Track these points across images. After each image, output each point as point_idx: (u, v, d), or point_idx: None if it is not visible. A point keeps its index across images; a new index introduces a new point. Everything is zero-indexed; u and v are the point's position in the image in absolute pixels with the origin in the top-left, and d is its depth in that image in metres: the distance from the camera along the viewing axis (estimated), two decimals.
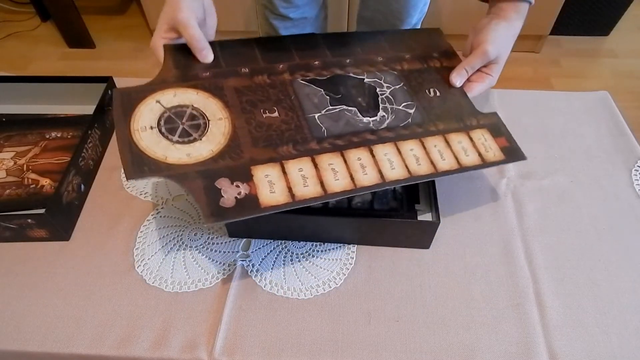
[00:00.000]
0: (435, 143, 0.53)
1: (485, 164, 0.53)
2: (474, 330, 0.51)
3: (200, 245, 0.58)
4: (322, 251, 0.57)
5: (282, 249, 0.58)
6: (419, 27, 1.00)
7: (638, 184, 0.65)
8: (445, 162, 0.51)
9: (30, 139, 0.69)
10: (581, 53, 1.91)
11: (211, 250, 0.58)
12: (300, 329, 0.51)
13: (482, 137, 0.55)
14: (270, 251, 0.57)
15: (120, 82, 0.76)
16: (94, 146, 0.66)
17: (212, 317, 0.52)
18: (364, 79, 0.58)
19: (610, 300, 0.53)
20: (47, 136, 0.69)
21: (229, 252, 0.57)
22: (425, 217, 0.57)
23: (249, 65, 0.56)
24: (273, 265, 0.56)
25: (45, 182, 0.63)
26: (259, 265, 0.56)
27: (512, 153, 0.55)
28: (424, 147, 0.52)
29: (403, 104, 0.56)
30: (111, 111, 0.72)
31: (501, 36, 0.59)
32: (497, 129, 0.57)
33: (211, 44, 0.57)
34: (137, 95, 0.50)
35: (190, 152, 0.47)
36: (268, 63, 0.56)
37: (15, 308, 0.53)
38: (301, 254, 0.57)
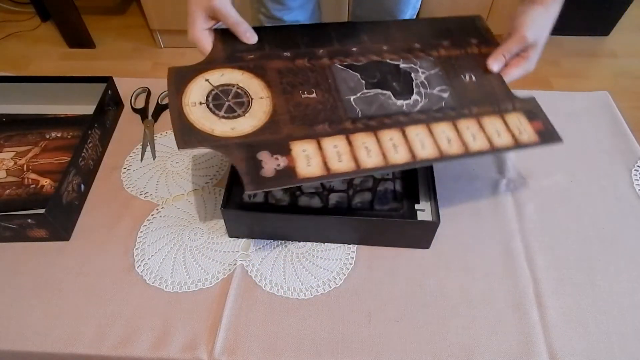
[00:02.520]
0: (468, 125, 0.54)
1: (518, 145, 0.53)
2: (474, 330, 0.51)
3: (200, 245, 0.58)
4: (322, 251, 0.57)
5: (282, 249, 0.58)
6: None
7: (638, 184, 0.65)
8: (477, 143, 0.52)
9: (30, 139, 0.69)
10: (581, 53, 1.91)
11: (211, 250, 0.58)
12: (300, 329, 0.51)
13: (517, 121, 0.56)
14: (270, 251, 0.57)
15: (120, 82, 0.76)
16: (94, 146, 0.66)
17: (212, 317, 0.52)
18: (399, 64, 0.60)
19: (610, 300, 0.53)
20: (47, 136, 0.69)
21: (229, 252, 0.57)
22: (425, 217, 0.57)
23: (291, 49, 0.59)
24: (273, 265, 0.56)
25: (45, 182, 0.63)
26: (259, 265, 0.56)
27: (547, 136, 0.56)
28: (456, 129, 0.53)
29: (437, 89, 0.57)
30: (110, 111, 0.72)
31: (538, 20, 0.60)
32: (533, 112, 0.58)
33: (257, 29, 0.58)
34: (189, 74, 0.54)
35: (234, 126, 0.50)
36: (309, 48, 0.59)
37: (15, 308, 0.53)
38: (301, 254, 0.57)
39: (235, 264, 0.56)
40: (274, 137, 0.50)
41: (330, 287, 0.54)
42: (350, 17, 1.05)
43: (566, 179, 0.66)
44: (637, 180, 0.65)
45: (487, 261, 0.56)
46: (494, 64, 0.59)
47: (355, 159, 0.49)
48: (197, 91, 0.52)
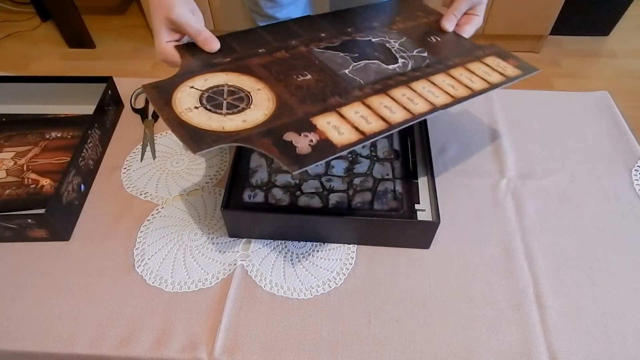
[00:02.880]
0: (460, 72, 0.56)
1: (509, 79, 0.56)
2: (474, 330, 0.51)
3: (200, 245, 0.58)
4: (322, 251, 0.57)
5: (282, 249, 0.58)
6: None
7: (638, 184, 0.65)
8: (477, 84, 0.54)
9: (30, 139, 0.69)
10: (581, 53, 1.91)
11: (211, 250, 0.58)
12: (300, 329, 0.51)
13: (496, 62, 0.59)
14: (270, 251, 0.57)
15: (120, 82, 0.76)
16: (94, 146, 0.66)
17: (212, 317, 0.52)
18: (370, 39, 0.62)
19: (610, 300, 0.53)
20: (47, 136, 0.69)
21: (229, 252, 0.57)
22: (425, 217, 0.57)
23: (264, 46, 0.59)
24: (273, 265, 0.56)
25: (45, 182, 0.63)
26: (259, 265, 0.56)
27: (526, 68, 0.59)
28: (453, 77, 0.55)
29: (415, 51, 0.60)
30: (110, 111, 0.72)
31: None
32: (503, 53, 0.61)
33: (220, 37, 0.57)
34: (169, 86, 0.51)
35: (245, 118, 0.48)
36: (280, 42, 0.60)
37: (15, 308, 0.53)
38: (301, 254, 0.57)
39: (235, 264, 0.56)
40: (293, 118, 0.48)
41: (330, 287, 0.54)
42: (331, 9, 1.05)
43: (566, 179, 0.66)
44: (637, 180, 0.65)
45: (487, 261, 0.56)
46: (448, 24, 0.64)
47: (382, 118, 0.48)
48: (186, 98, 0.49)
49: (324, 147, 0.45)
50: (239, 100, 0.50)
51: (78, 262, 0.57)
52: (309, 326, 0.51)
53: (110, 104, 0.72)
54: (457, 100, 0.52)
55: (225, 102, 0.50)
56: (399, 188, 0.59)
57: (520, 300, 0.53)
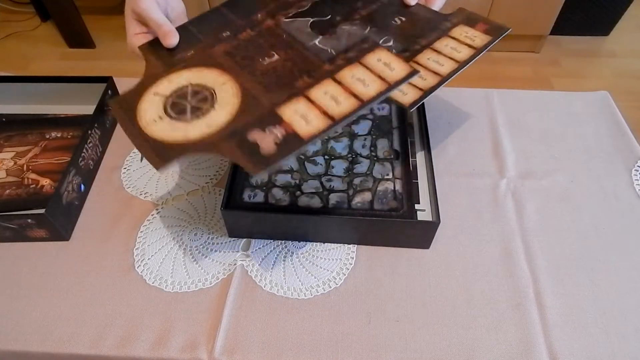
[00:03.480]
0: (427, 56, 0.54)
1: (478, 51, 0.54)
2: (474, 330, 0.51)
3: (200, 245, 0.58)
4: (322, 251, 0.57)
5: (282, 249, 0.58)
6: None
7: (638, 184, 0.65)
8: (445, 68, 0.52)
9: (30, 139, 0.69)
10: (581, 53, 1.91)
11: (211, 250, 0.58)
12: (300, 329, 0.51)
13: (463, 32, 0.57)
14: (270, 251, 0.57)
15: (120, 82, 0.76)
16: (94, 146, 0.66)
17: (212, 317, 0.52)
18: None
19: (610, 300, 0.53)
20: (47, 136, 0.69)
21: (229, 252, 0.57)
22: (425, 217, 0.57)
23: (227, 28, 0.56)
24: (273, 265, 0.56)
25: (45, 182, 0.63)
26: (259, 265, 0.56)
27: (496, 30, 0.56)
28: (419, 64, 0.53)
29: (381, 41, 0.56)
30: (110, 111, 0.72)
31: None
32: (471, 18, 0.58)
33: (181, 26, 0.56)
34: (133, 97, 0.50)
35: (209, 122, 0.46)
36: (244, 19, 0.57)
37: (15, 308, 0.53)
38: (301, 254, 0.57)
39: (235, 264, 0.56)
40: (257, 112, 0.46)
41: (330, 287, 0.54)
42: None
43: (566, 179, 0.66)
44: (637, 180, 0.65)
45: (487, 261, 0.56)
46: None
47: (354, 94, 0.45)
48: (150, 109, 0.48)
49: (290, 141, 0.43)
50: (202, 101, 0.48)
51: (78, 262, 0.57)
52: (309, 326, 0.51)
53: (110, 104, 0.72)
54: (425, 93, 0.50)
55: (189, 107, 0.48)
56: (399, 188, 0.59)
57: (520, 300, 0.53)
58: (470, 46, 0.55)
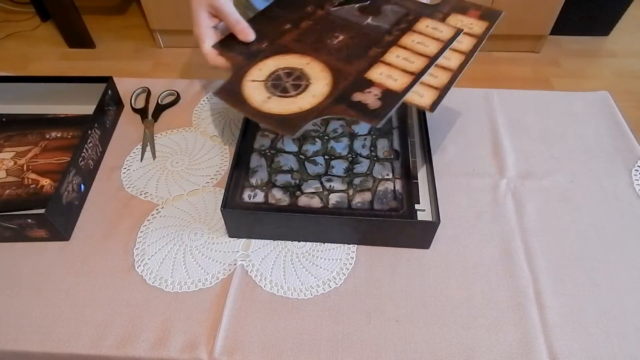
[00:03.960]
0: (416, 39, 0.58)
1: (480, 38, 0.56)
2: (474, 330, 0.51)
3: (200, 245, 0.58)
4: (322, 251, 0.57)
5: (282, 249, 0.58)
6: None
7: (638, 184, 0.65)
8: (453, 61, 0.55)
9: (30, 139, 0.69)
10: (581, 53, 1.91)
11: (211, 250, 0.58)
12: (300, 329, 0.51)
13: (458, 22, 0.59)
14: (270, 251, 0.57)
15: (120, 82, 0.76)
16: (94, 146, 0.66)
17: (212, 317, 0.52)
18: None
19: (610, 300, 0.53)
20: (47, 136, 0.69)
21: (229, 252, 0.57)
22: (425, 217, 0.57)
23: (286, 22, 0.61)
24: (273, 265, 0.56)
25: (45, 182, 0.63)
26: (259, 265, 0.56)
27: (490, 15, 0.59)
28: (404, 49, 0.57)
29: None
30: (110, 111, 0.72)
31: None
32: (461, 6, 0.61)
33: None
34: (232, 86, 0.54)
35: (313, 94, 0.52)
36: (298, 12, 0.63)
37: (15, 308, 0.53)
38: (301, 254, 0.57)
39: (235, 264, 0.56)
40: (349, 80, 0.53)
41: (330, 287, 0.54)
42: None
43: (566, 179, 0.66)
44: (637, 180, 0.65)
45: (487, 261, 0.56)
46: None
47: (420, 54, 0.54)
48: (254, 93, 0.53)
49: (390, 96, 0.50)
50: (298, 79, 0.54)
51: (78, 262, 0.57)
52: (309, 326, 0.51)
53: (110, 104, 0.72)
54: (442, 92, 0.53)
55: (289, 85, 0.53)
56: (398, 188, 0.59)
57: (520, 300, 0.53)
58: (470, 35, 0.56)
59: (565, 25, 1.88)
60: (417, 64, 0.53)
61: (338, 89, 0.52)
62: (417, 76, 0.52)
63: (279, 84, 0.53)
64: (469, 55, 0.54)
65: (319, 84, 0.53)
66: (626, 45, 1.94)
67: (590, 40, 1.96)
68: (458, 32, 0.55)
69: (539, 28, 1.78)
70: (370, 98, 0.50)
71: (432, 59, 0.53)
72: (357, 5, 0.62)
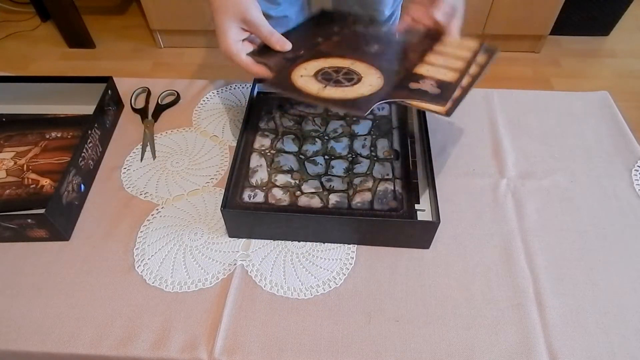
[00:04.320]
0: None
1: (483, 66, 0.58)
2: (474, 330, 0.51)
3: (200, 245, 0.58)
4: (322, 251, 0.57)
5: (282, 249, 0.58)
6: (397, 18, 1.06)
7: (638, 184, 0.65)
8: (455, 71, 0.56)
9: (30, 139, 0.69)
10: (581, 53, 1.91)
11: (211, 250, 0.58)
12: (300, 329, 0.51)
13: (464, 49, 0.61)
14: (270, 251, 0.57)
15: (120, 82, 0.76)
16: (94, 146, 0.66)
17: (212, 317, 0.52)
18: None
19: (610, 300, 0.53)
20: (47, 136, 0.69)
21: (229, 252, 0.57)
22: (425, 217, 0.57)
23: (316, 36, 0.63)
24: (273, 265, 0.56)
25: (45, 182, 0.63)
26: (259, 265, 0.56)
27: (487, 50, 0.60)
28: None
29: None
30: (110, 111, 0.72)
31: None
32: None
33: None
34: (282, 80, 0.55)
35: (369, 84, 0.53)
36: (325, 30, 0.65)
37: (15, 308, 0.53)
38: (301, 254, 0.57)
39: (235, 264, 0.56)
40: (400, 75, 0.55)
41: (330, 287, 0.54)
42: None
43: (566, 179, 0.66)
44: (637, 180, 0.65)
45: (487, 261, 0.56)
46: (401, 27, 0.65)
47: (457, 58, 0.57)
48: (309, 84, 0.54)
49: (444, 85, 0.52)
50: (348, 74, 0.55)
51: (78, 262, 0.57)
52: (309, 326, 0.51)
53: (110, 104, 0.72)
54: (461, 97, 0.53)
55: (341, 77, 0.55)
56: (398, 188, 0.59)
57: (520, 300, 0.53)
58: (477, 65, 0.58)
59: (565, 25, 1.88)
60: (457, 64, 0.56)
61: (392, 81, 0.53)
62: (461, 74, 0.54)
63: (330, 77, 0.54)
64: (477, 75, 0.56)
65: (372, 77, 0.54)
66: (626, 45, 1.94)
67: (590, 40, 1.96)
68: (481, 43, 0.58)
69: (539, 28, 1.78)
70: (427, 86, 0.52)
71: (467, 63, 0.56)
72: (374, 30, 0.66)
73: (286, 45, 0.59)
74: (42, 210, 0.54)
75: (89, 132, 0.64)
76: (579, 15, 1.87)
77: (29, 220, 0.55)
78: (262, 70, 0.58)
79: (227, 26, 0.56)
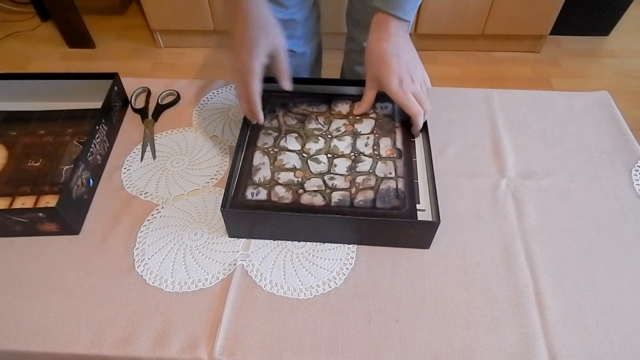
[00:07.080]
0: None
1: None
2: (474, 330, 0.51)
3: (200, 245, 0.58)
4: (322, 251, 0.57)
5: (282, 249, 0.58)
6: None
7: (638, 184, 0.65)
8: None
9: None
10: (581, 53, 1.91)
11: (211, 250, 0.58)
12: (300, 329, 0.51)
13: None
14: (270, 251, 0.57)
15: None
16: (102, 142, 0.66)
17: (212, 317, 0.52)
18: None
19: (610, 300, 0.53)
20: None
21: (229, 252, 0.57)
22: (426, 217, 0.57)
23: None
24: (273, 265, 0.56)
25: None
26: (259, 265, 0.56)
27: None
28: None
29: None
30: (117, 107, 0.72)
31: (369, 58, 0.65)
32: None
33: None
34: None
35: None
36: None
37: (15, 308, 0.53)
38: (301, 254, 0.57)
39: (235, 264, 0.56)
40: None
41: (330, 287, 0.54)
42: (346, 17, 1.04)
43: (566, 179, 0.66)
44: (637, 180, 0.65)
45: (487, 261, 0.56)
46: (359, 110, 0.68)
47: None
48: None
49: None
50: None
51: (82, 258, 0.57)
52: (309, 326, 0.51)
53: (116, 100, 0.72)
54: None
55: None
56: (401, 187, 0.59)
57: (520, 300, 0.53)
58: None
59: (565, 25, 1.88)
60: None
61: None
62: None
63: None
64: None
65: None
66: (626, 45, 1.94)
67: (590, 40, 1.96)
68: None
69: (539, 28, 1.78)
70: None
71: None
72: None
73: (288, 86, 0.63)
74: (53, 204, 0.54)
75: (97, 127, 0.64)
76: (579, 15, 1.87)
77: (40, 214, 0.55)
78: (257, 110, 0.61)
79: (258, 45, 0.56)
